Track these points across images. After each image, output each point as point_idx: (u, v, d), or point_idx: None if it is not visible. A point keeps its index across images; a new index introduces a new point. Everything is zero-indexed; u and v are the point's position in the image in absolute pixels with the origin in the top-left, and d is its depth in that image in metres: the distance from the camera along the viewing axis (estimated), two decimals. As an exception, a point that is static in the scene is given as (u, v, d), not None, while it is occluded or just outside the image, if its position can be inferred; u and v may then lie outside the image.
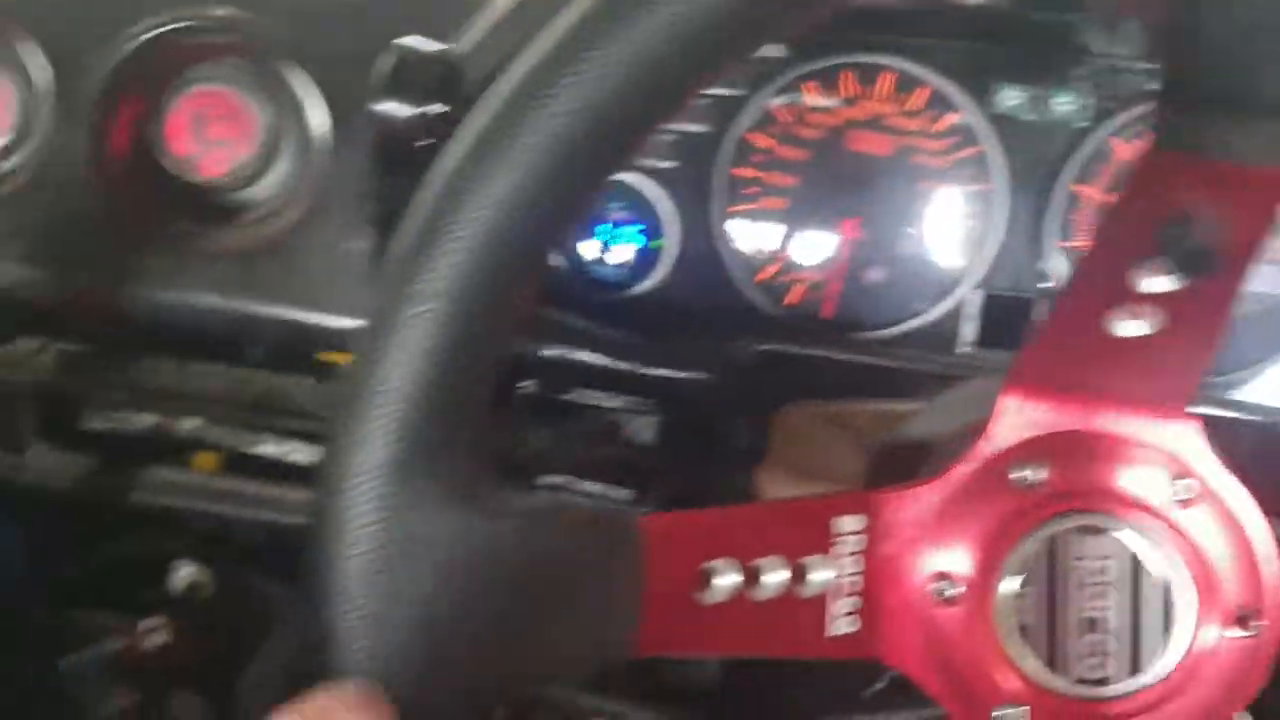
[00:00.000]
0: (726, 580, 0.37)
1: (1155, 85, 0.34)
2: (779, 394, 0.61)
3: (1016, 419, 0.40)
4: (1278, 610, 0.39)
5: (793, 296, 0.70)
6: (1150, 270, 0.36)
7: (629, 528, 0.36)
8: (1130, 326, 0.38)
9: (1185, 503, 0.39)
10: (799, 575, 0.38)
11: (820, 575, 0.39)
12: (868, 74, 0.69)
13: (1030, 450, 0.40)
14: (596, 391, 0.66)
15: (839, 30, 0.69)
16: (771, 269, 0.70)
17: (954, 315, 0.68)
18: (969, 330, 0.68)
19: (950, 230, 0.68)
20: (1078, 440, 0.39)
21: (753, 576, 0.38)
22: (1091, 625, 0.39)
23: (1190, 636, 0.39)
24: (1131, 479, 0.39)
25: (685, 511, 0.37)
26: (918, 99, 0.68)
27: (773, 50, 0.71)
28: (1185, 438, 0.39)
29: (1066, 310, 0.39)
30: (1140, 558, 0.39)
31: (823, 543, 0.39)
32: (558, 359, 0.65)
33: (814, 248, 0.69)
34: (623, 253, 0.71)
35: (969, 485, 0.40)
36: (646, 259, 0.71)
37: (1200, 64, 0.34)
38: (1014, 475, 0.40)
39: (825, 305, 0.69)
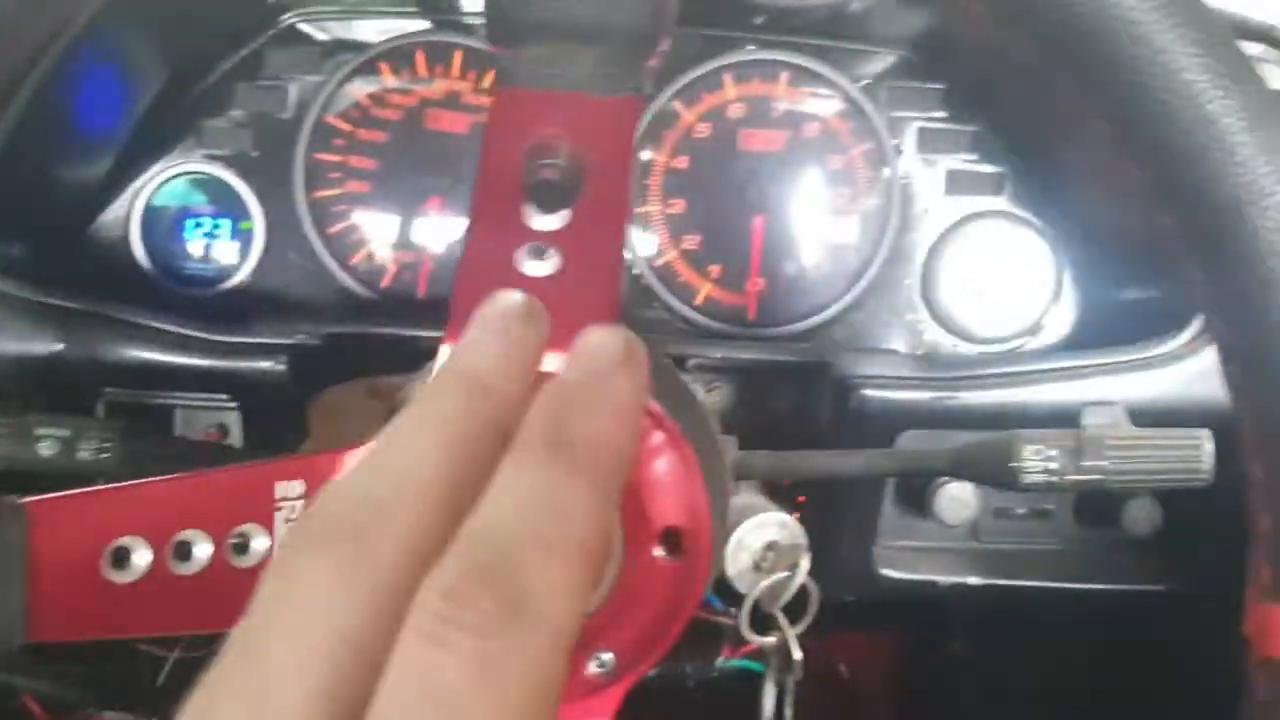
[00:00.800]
0: (141, 559, 0.37)
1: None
2: (349, 377, 0.60)
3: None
4: (699, 534, 0.41)
5: (388, 278, 0.70)
6: (533, 207, 0.38)
7: (7, 511, 0.35)
8: (538, 266, 0.39)
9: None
10: (242, 546, 0.38)
11: (262, 544, 0.39)
12: (439, 52, 0.69)
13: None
14: (182, 392, 0.65)
15: (407, 12, 0.70)
16: (363, 252, 0.70)
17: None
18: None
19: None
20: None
21: (178, 552, 0.37)
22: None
23: (619, 565, 0.40)
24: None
25: (84, 491, 0.36)
26: (490, 77, 0.69)
27: (352, 33, 0.71)
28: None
29: (476, 251, 0.40)
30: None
31: (265, 511, 0.39)
32: (142, 363, 0.63)
33: (401, 229, 0.69)
34: (222, 248, 0.70)
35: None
36: (241, 252, 0.70)
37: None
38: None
39: (419, 285, 0.70)
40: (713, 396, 0.57)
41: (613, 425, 0.25)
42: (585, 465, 0.24)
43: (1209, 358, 0.58)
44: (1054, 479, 0.48)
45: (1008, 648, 0.90)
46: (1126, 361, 0.59)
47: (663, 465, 0.41)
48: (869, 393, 0.61)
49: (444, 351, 0.41)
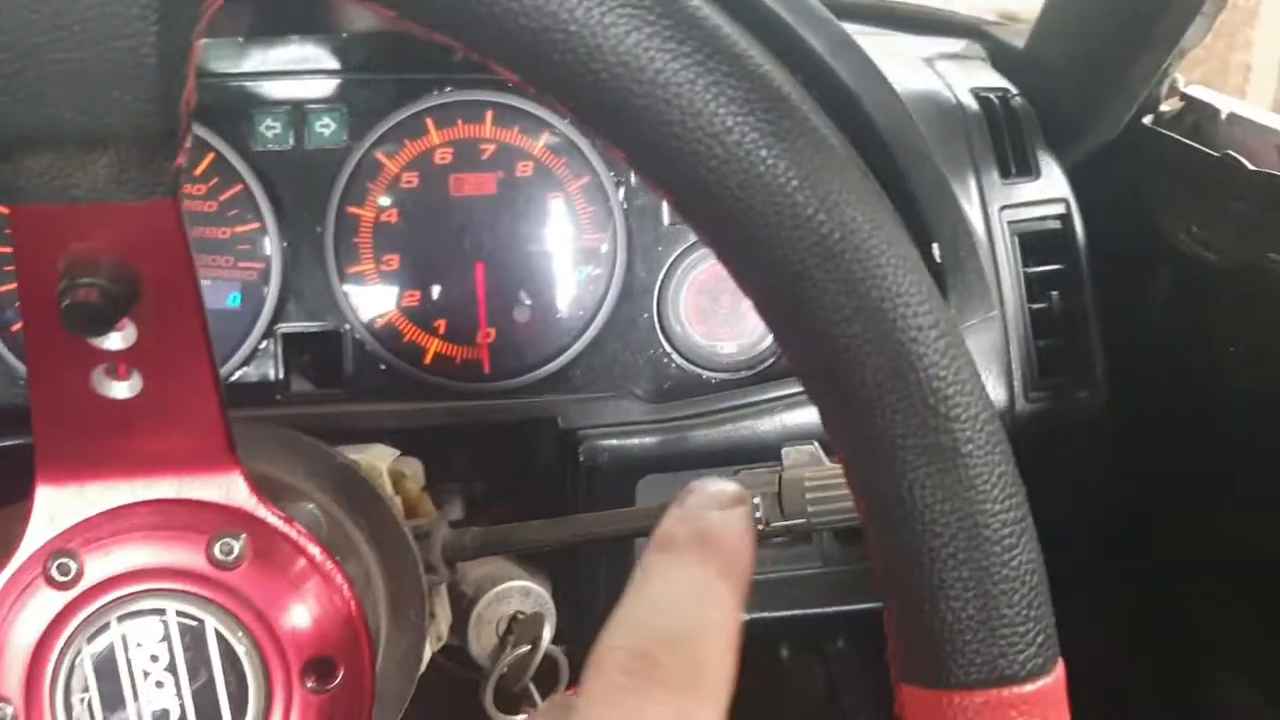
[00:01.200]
0: None
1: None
2: None
3: (52, 508, 0.36)
4: (355, 658, 0.37)
5: None
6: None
7: None
8: (118, 387, 0.35)
9: (228, 564, 0.36)
10: None
11: None
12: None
13: (66, 540, 0.36)
14: None
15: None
16: None
17: (264, 359, 0.65)
18: (276, 372, 0.65)
19: (231, 275, 0.64)
20: (109, 519, 0.36)
21: None
22: (166, 715, 0.36)
23: (265, 702, 0.36)
24: (168, 552, 0.36)
25: None
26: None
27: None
28: (227, 490, 0.37)
29: (45, 380, 0.35)
30: (198, 630, 0.36)
31: None
32: None
33: None
34: None
35: (8, 592, 0.36)
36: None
37: None
38: (52, 572, 0.36)
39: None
40: (414, 468, 0.53)
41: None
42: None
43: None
44: (762, 527, 0.46)
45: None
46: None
47: (307, 594, 0.37)
48: (599, 443, 0.58)
49: (40, 492, 0.36)
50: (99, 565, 0.36)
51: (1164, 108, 0.65)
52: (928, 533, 0.27)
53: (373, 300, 0.65)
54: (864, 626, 0.72)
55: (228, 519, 0.36)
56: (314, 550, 0.37)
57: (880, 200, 0.27)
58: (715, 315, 0.68)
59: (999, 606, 0.27)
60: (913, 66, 0.63)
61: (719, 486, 0.32)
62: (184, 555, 0.36)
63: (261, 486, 0.38)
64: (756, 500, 0.45)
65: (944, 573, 0.27)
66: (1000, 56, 0.67)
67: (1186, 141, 0.57)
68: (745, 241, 0.27)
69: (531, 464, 0.61)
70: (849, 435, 0.28)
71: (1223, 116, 0.59)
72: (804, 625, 0.63)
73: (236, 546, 0.36)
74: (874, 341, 0.27)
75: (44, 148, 0.29)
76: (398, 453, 0.55)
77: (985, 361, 0.58)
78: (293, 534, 0.37)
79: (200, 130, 0.63)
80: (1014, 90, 0.62)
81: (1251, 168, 0.52)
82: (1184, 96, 0.63)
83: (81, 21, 0.27)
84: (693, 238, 0.67)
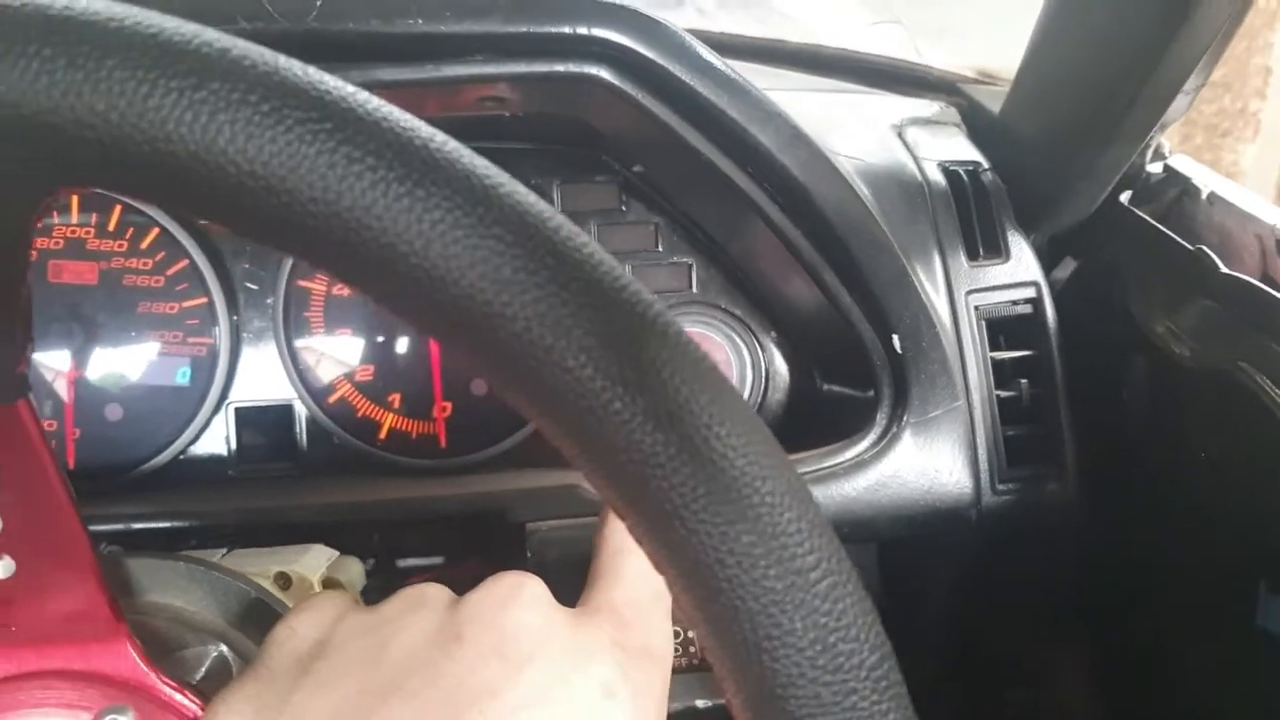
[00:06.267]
0: None
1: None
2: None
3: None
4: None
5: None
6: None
7: None
8: (-6, 567, 0.34)
9: (121, 735, 0.35)
10: None
11: None
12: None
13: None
14: None
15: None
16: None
17: (215, 435, 0.64)
18: (228, 447, 0.64)
19: (180, 351, 0.63)
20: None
21: None
22: None
23: None
24: (57, 731, 0.35)
25: None
26: (112, 217, 0.62)
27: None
28: (114, 660, 0.35)
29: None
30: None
31: None
32: None
33: (48, 394, 0.62)
34: None
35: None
36: None
37: None
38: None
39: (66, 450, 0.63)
40: (351, 572, 0.52)
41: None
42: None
43: (884, 467, 0.55)
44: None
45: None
46: (811, 472, 0.56)
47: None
48: (548, 536, 0.56)
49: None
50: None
51: (1152, 168, 0.62)
52: None
53: (325, 375, 0.64)
54: None
55: (114, 692, 0.35)
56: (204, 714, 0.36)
57: (763, 432, 0.25)
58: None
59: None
60: (880, 136, 0.60)
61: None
62: (77, 734, 0.35)
63: (167, 629, 0.36)
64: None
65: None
66: (974, 120, 0.64)
67: (1162, 229, 0.55)
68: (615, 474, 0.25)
69: (482, 551, 0.60)
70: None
71: (1204, 196, 0.56)
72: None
73: (131, 714, 0.35)
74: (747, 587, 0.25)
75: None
76: (335, 554, 0.54)
77: (951, 452, 0.56)
78: (185, 703, 0.36)
79: (144, 203, 0.62)
80: (985, 164, 0.59)
81: (1223, 270, 0.50)
82: (1167, 168, 0.60)
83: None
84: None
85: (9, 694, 0.35)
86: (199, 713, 0.36)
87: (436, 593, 0.35)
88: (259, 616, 0.44)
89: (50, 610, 0.35)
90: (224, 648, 0.42)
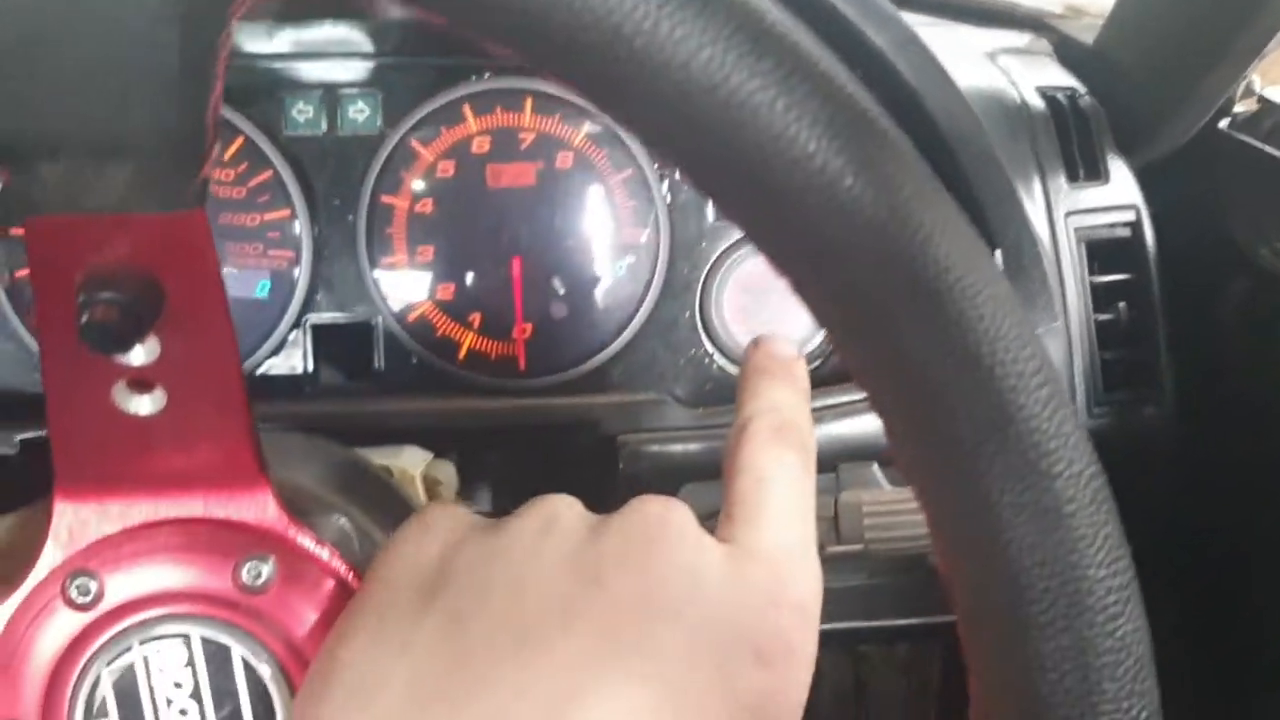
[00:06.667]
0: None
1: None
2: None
3: (70, 525, 0.34)
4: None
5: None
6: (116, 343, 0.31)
7: None
8: (140, 403, 0.33)
9: (256, 588, 0.34)
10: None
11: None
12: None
13: (85, 559, 0.34)
14: None
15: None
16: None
17: (293, 351, 0.63)
18: (305, 364, 0.63)
19: (260, 264, 0.62)
20: (131, 539, 0.34)
21: None
22: (187, 743, 0.34)
23: (293, 726, 0.34)
24: (192, 574, 0.34)
25: None
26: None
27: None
28: (255, 509, 0.35)
29: (64, 395, 0.33)
30: (223, 656, 0.34)
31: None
32: None
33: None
34: None
35: (24, 611, 0.34)
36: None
37: None
38: (71, 592, 0.34)
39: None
40: (447, 473, 0.51)
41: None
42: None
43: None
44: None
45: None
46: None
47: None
48: (641, 449, 0.56)
49: (59, 509, 0.34)
50: (120, 586, 0.34)
51: (1239, 108, 0.61)
52: (1025, 598, 0.24)
53: (405, 292, 0.63)
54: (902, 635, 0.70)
55: (256, 540, 0.34)
56: (345, 573, 0.35)
57: (974, 235, 0.24)
58: (760, 314, 0.65)
59: (1101, 681, 0.25)
60: (976, 62, 0.60)
61: (779, 352, 0.38)
62: (210, 578, 0.34)
63: (290, 499, 0.36)
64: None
65: (1042, 643, 0.24)
66: (1066, 53, 0.63)
67: (1266, 149, 0.54)
68: (825, 273, 0.24)
69: (569, 467, 0.59)
70: (933, 478, 0.26)
71: (1304, 122, 0.56)
72: (844, 635, 0.60)
73: (265, 570, 0.34)
74: (970, 388, 0.24)
75: (58, 156, 0.27)
76: (430, 456, 0.53)
77: (1046, 374, 0.55)
78: (324, 555, 0.35)
79: (229, 113, 0.61)
80: (1082, 89, 0.59)
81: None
82: (1261, 99, 0.59)
83: (97, 20, 0.25)
84: (738, 234, 0.65)
85: (147, 537, 0.34)
86: (339, 567, 0.35)
87: (570, 513, 0.32)
88: (377, 493, 0.44)
89: (196, 452, 0.34)
90: (344, 520, 0.41)
